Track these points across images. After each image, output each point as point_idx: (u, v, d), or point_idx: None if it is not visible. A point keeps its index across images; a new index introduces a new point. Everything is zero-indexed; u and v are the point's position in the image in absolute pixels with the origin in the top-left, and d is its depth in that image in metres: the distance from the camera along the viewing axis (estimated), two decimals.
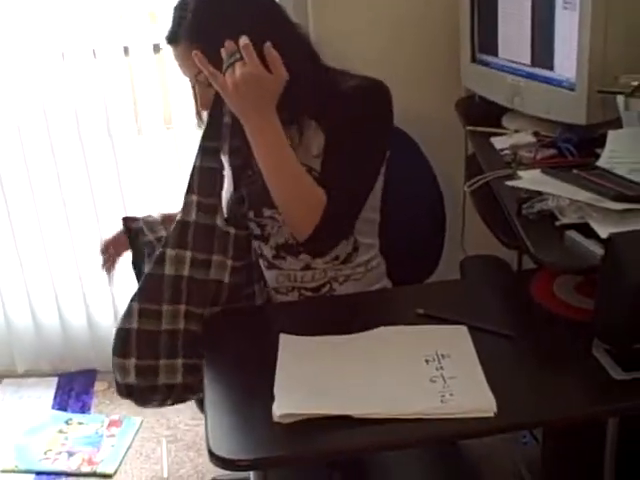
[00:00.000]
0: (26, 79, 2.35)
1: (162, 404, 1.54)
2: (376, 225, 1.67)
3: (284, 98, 1.42)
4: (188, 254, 1.46)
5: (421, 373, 1.24)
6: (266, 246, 1.62)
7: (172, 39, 1.48)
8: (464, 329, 1.34)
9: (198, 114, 1.59)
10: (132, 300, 1.48)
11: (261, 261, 1.63)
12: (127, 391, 1.50)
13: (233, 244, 1.47)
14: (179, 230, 1.46)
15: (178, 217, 1.48)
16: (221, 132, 1.47)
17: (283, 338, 1.36)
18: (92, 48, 2.31)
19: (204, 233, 1.46)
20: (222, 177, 1.49)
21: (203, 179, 1.47)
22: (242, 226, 1.51)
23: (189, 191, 1.47)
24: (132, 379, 1.47)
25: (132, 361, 1.47)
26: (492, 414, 1.14)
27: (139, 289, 1.49)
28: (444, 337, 1.33)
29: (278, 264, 1.61)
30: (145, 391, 1.49)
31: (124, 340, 1.47)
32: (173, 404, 1.56)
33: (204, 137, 1.48)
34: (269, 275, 1.63)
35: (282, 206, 1.48)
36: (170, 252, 1.46)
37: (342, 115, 1.48)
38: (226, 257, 1.46)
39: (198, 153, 1.48)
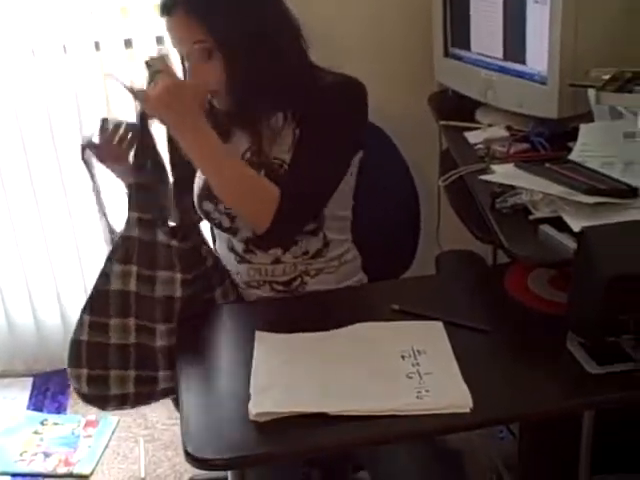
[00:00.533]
0: (27, 72, 2.31)
1: (120, 409, 1.55)
2: (348, 222, 1.67)
3: (267, 91, 1.44)
4: (134, 269, 1.47)
5: (397, 369, 1.24)
6: (236, 239, 1.61)
7: (167, 9, 1.44)
8: (439, 325, 1.34)
9: None
10: (83, 311, 1.50)
11: (233, 255, 1.63)
12: (83, 399, 1.53)
13: (178, 257, 1.47)
14: (123, 245, 1.48)
15: (122, 232, 1.49)
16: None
17: (258, 335, 1.35)
18: (63, 44, 2.29)
19: (146, 249, 1.47)
20: (163, 190, 1.50)
21: (139, 195, 1.48)
22: (191, 235, 1.52)
23: (129, 208, 1.48)
24: (85, 389, 1.50)
25: (84, 371, 1.50)
26: (468, 409, 1.14)
27: (87, 301, 1.50)
28: (420, 333, 1.33)
29: (249, 258, 1.61)
30: (99, 399, 1.52)
31: (76, 351, 1.50)
32: (133, 408, 1.57)
33: (136, 155, 1.49)
34: (241, 269, 1.63)
35: (232, 206, 1.50)
36: (116, 267, 1.47)
37: (315, 111, 1.48)
38: (174, 271, 1.46)
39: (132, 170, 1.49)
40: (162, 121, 1.42)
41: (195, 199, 1.59)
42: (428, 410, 1.15)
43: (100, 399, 1.52)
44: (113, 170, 1.59)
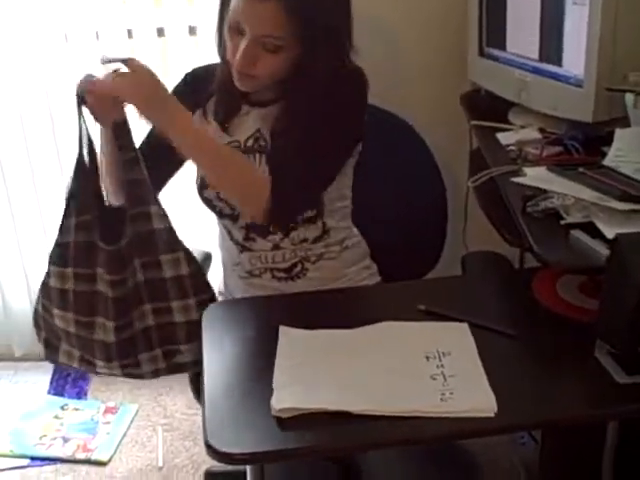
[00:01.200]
0: (28, 61, 2.33)
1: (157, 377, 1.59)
2: (348, 210, 1.69)
3: (297, 79, 1.48)
4: (69, 271, 1.50)
5: (421, 370, 1.23)
6: (236, 227, 1.63)
7: None
8: (465, 326, 1.33)
9: (220, 49, 1.59)
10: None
11: (234, 246, 1.66)
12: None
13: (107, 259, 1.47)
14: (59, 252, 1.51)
15: (56, 238, 1.51)
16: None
17: (283, 330, 1.34)
18: (95, 30, 2.29)
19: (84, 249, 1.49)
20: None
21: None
22: None
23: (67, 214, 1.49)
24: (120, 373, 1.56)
25: (116, 363, 1.54)
26: (492, 414, 1.13)
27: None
28: (445, 334, 1.32)
29: (249, 246, 1.64)
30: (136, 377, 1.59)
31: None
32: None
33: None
34: (243, 258, 1.66)
35: (220, 189, 1.55)
36: (53, 269, 1.53)
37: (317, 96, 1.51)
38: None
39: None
40: (140, 109, 1.41)
41: (196, 188, 1.63)
42: (452, 413, 1.14)
43: (137, 376, 1.57)
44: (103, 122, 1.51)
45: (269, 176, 1.46)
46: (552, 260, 1.34)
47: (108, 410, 2.42)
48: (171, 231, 1.48)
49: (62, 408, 2.43)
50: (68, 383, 2.56)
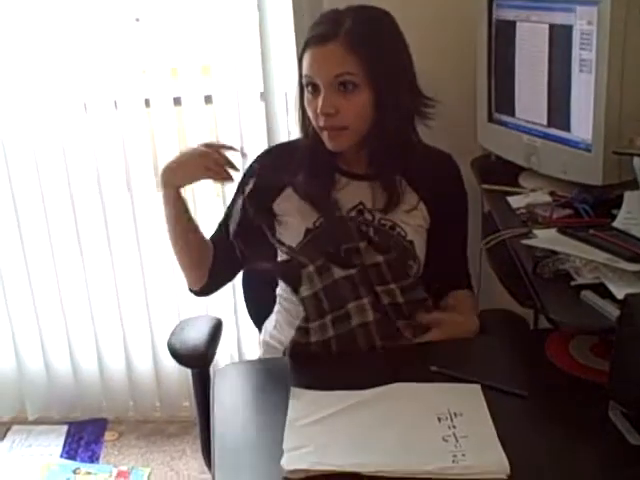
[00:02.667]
0: (48, 130, 2.39)
1: None
2: None
3: (407, 130, 1.60)
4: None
5: (433, 431, 1.23)
6: None
7: (324, 38, 1.51)
8: (477, 387, 1.33)
9: (303, 124, 1.64)
10: None
11: None
12: None
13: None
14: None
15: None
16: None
17: (293, 392, 1.35)
18: (114, 99, 2.36)
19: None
20: None
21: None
22: None
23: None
24: None
25: None
26: (505, 476, 1.12)
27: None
28: (457, 395, 1.32)
29: None
30: None
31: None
32: None
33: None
34: None
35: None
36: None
37: (453, 192, 1.70)
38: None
39: None
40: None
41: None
42: (464, 475, 1.13)
43: None
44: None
45: None
46: (563, 321, 1.34)
47: (120, 474, 2.41)
48: None
49: (74, 472, 2.42)
50: (81, 447, 2.55)
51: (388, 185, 1.61)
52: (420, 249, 1.62)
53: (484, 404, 1.28)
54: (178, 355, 1.70)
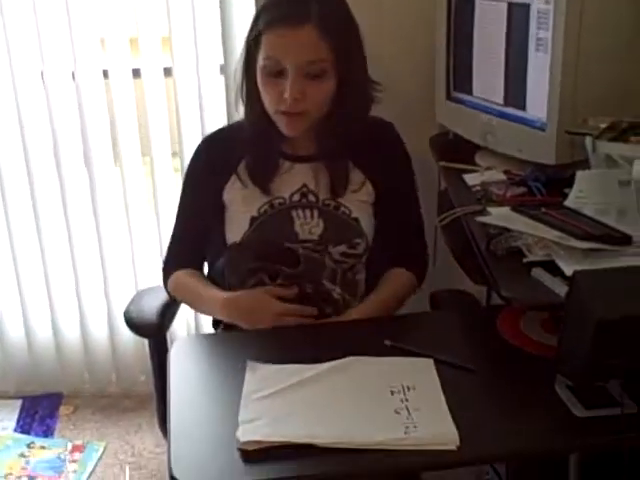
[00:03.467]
0: (3, 98, 2.35)
1: None
2: None
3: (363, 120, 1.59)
4: None
5: (386, 404, 1.25)
6: None
7: (296, 19, 1.46)
8: (430, 362, 1.35)
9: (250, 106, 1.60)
10: None
11: None
12: None
13: None
14: None
15: None
16: None
17: (250, 365, 1.36)
18: (71, 70, 2.32)
19: None
20: None
21: None
22: None
23: None
24: None
25: None
26: (454, 447, 1.15)
27: None
28: (410, 369, 1.34)
29: None
30: None
31: None
32: None
33: None
34: None
35: None
36: None
37: (396, 161, 1.69)
38: None
39: None
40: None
41: None
42: (415, 446, 1.16)
43: None
44: None
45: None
46: (513, 297, 1.37)
47: (75, 448, 2.40)
48: None
49: (28, 446, 2.41)
50: (35, 421, 2.53)
51: (336, 167, 1.61)
52: (367, 225, 1.63)
53: (436, 378, 1.31)
54: (133, 324, 1.72)
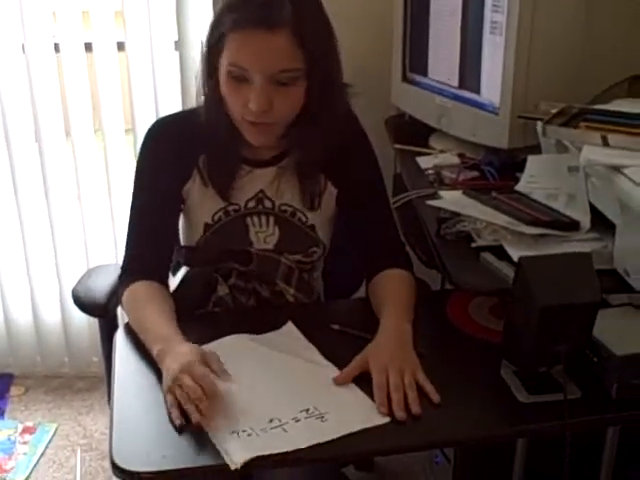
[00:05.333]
0: None
1: None
2: None
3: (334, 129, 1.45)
4: None
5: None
6: None
7: (269, 23, 1.30)
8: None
9: (212, 102, 1.45)
10: None
11: None
12: None
13: None
14: None
15: None
16: None
17: None
18: (22, 43, 2.26)
19: None
20: None
21: None
22: None
23: None
24: None
25: None
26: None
27: None
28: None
29: None
30: None
31: None
32: None
33: None
34: None
35: None
36: None
37: (357, 153, 1.56)
38: None
39: None
40: None
41: None
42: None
43: None
44: None
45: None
46: (462, 282, 1.37)
47: (26, 430, 2.37)
48: None
49: None
50: None
51: (302, 173, 1.52)
52: (323, 233, 1.56)
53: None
54: (81, 303, 1.67)
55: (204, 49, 1.42)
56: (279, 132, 1.45)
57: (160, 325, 1.37)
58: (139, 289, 1.47)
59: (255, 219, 1.54)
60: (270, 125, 1.41)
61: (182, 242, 1.61)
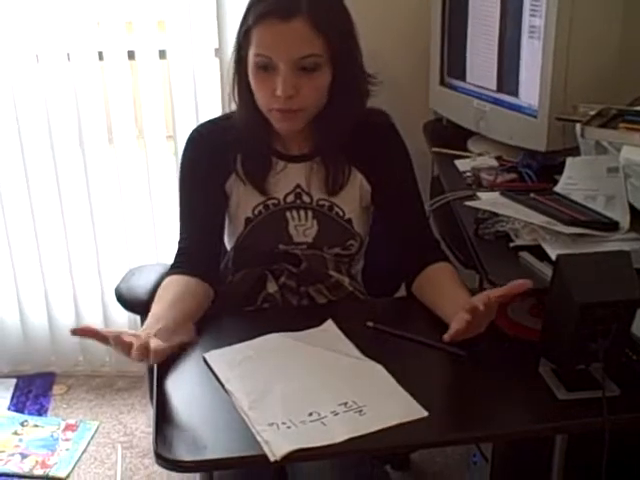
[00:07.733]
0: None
1: None
2: None
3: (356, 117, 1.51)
4: None
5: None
6: None
7: (287, 13, 1.39)
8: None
9: (243, 100, 1.52)
10: None
11: None
12: None
13: None
14: None
15: None
16: None
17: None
18: (67, 52, 2.32)
19: None
20: None
21: None
22: None
23: None
24: None
25: None
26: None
27: None
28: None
29: None
30: None
31: None
32: None
33: None
34: None
35: None
36: None
37: (391, 151, 1.59)
38: None
39: None
40: None
41: None
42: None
43: None
44: None
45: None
46: (500, 282, 1.38)
47: (68, 427, 2.42)
48: None
49: (22, 424, 2.42)
50: (29, 400, 2.55)
51: (332, 165, 1.56)
52: (360, 226, 1.60)
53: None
54: (124, 300, 1.71)
55: (234, 48, 1.50)
56: (306, 119, 1.50)
57: (154, 308, 1.41)
58: (172, 279, 1.50)
59: (294, 213, 1.58)
60: (296, 112, 1.46)
61: (227, 244, 1.66)
